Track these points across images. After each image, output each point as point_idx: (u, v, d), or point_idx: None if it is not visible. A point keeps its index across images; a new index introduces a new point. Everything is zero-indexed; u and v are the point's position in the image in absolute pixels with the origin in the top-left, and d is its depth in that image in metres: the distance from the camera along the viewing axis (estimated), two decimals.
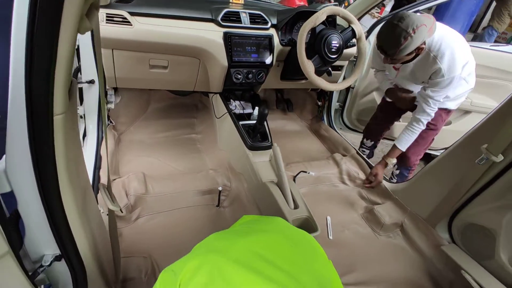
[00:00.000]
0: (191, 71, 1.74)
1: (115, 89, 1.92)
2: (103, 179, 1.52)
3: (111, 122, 1.96)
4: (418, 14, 1.44)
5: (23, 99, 0.49)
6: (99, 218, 0.91)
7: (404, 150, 1.79)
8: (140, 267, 1.24)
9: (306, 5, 3.85)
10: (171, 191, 1.60)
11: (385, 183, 1.86)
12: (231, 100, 1.88)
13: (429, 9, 5.06)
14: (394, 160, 1.84)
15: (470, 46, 1.63)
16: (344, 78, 2.16)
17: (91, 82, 1.62)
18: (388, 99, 2.01)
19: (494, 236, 1.33)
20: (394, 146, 1.81)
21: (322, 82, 1.61)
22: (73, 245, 0.74)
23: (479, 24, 6.78)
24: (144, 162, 1.79)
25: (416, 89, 1.84)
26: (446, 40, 1.51)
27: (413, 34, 1.36)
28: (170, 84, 1.82)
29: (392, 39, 1.40)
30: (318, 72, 1.73)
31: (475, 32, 6.76)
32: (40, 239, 0.71)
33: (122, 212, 1.38)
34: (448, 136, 2.00)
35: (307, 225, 1.34)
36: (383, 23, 1.48)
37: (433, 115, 1.69)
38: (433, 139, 1.94)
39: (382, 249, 1.59)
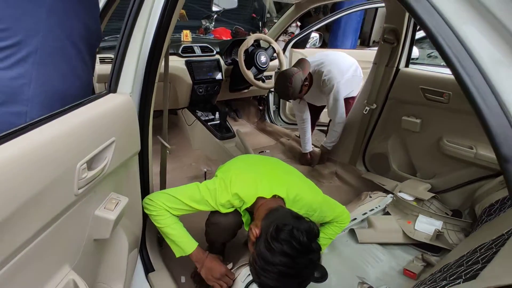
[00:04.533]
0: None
1: None
2: None
3: None
4: (293, 67, 2.03)
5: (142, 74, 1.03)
6: None
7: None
8: None
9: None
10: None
11: (317, 149, 2.59)
12: (196, 111, 2.48)
13: (326, 28, 6.31)
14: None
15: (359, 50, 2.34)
16: None
17: None
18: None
19: (387, 156, 2.11)
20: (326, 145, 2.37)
21: (260, 83, 2.33)
22: None
23: (369, 39, 8.59)
24: None
25: (321, 101, 2.41)
26: (323, 65, 2.10)
27: (291, 84, 1.94)
28: None
29: (283, 92, 2.03)
30: (256, 80, 2.44)
31: (368, 46, 8.48)
32: None
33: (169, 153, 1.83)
34: None
35: None
36: (275, 81, 2.12)
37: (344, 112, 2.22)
38: None
39: (327, 192, 2.20)
